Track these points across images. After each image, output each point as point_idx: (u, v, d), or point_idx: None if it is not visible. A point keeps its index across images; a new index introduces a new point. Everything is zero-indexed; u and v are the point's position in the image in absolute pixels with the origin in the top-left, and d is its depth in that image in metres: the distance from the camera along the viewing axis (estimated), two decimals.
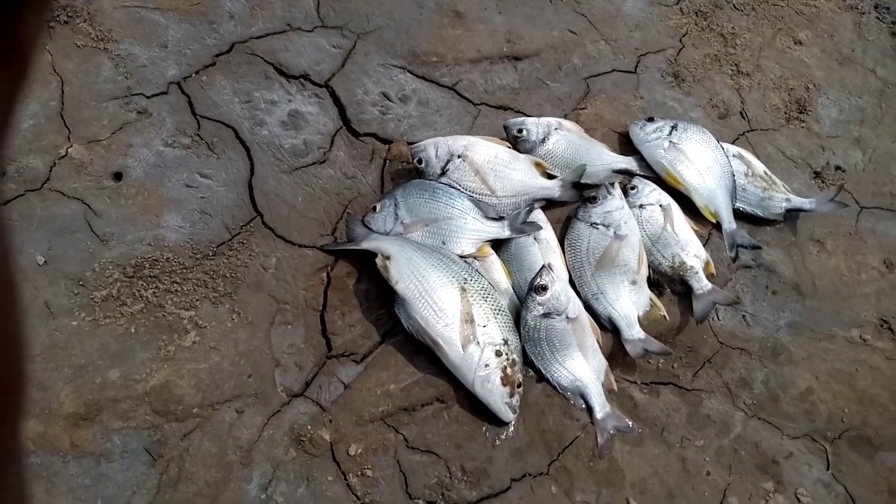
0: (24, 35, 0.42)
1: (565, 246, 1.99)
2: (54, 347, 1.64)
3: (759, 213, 2.18)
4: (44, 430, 1.55)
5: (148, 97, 2.02)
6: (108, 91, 2.00)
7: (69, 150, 1.88)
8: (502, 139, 2.10)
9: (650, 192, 2.08)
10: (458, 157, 1.97)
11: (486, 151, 2.01)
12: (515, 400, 1.72)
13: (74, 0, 2.10)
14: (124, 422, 1.59)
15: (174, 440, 1.59)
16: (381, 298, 1.83)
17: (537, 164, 2.05)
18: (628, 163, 2.18)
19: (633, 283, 1.92)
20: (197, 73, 2.09)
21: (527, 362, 1.81)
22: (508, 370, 1.72)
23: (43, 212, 1.79)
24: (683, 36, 2.55)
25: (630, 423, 1.79)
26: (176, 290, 1.76)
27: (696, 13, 2.61)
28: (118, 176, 1.89)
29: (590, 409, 1.79)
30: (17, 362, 0.51)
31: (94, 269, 1.74)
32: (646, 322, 1.90)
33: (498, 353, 1.72)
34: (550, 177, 2.07)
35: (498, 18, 2.43)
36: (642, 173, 2.17)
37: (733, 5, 2.68)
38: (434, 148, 1.98)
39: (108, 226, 1.81)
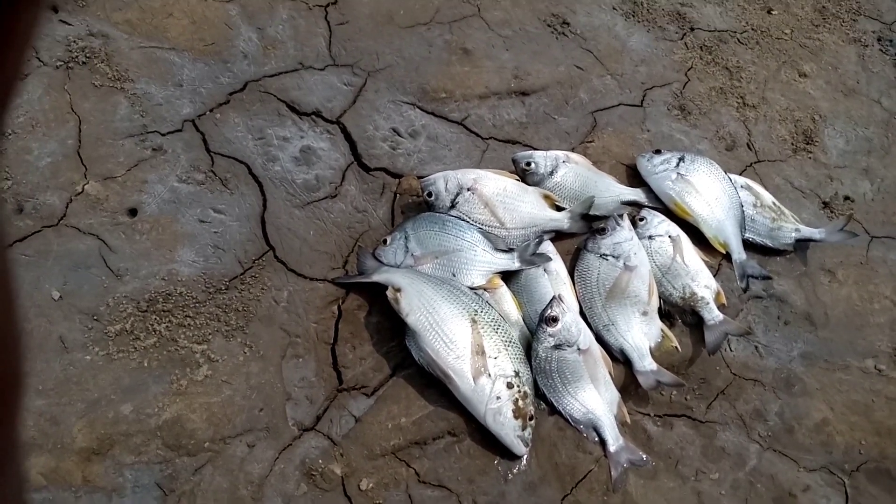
0: (18, 24, 0.44)
1: (575, 277, 2.00)
2: (68, 382, 1.65)
3: (769, 243, 2.18)
4: (56, 464, 1.55)
5: (163, 135, 2.06)
6: (125, 129, 2.04)
7: (85, 186, 1.92)
8: (511, 172, 2.13)
9: (659, 224, 2.09)
10: (468, 189, 2.00)
11: (494, 184, 2.03)
12: (528, 433, 1.71)
13: (93, 42, 2.16)
14: (136, 456, 1.59)
15: (186, 475, 1.59)
16: (392, 331, 1.84)
17: (546, 197, 2.07)
18: (636, 194, 2.20)
19: (644, 314, 1.92)
20: (211, 110, 2.14)
21: (538, 395, 1.80)
22: (520, 402, 1.71)
23: (59, 247, 1.82)
24: (689, 70, 2.58)
25: (644, 456, 1.77)
26: (189, 324, 1.77)
27: (700, 47, 2.65)
28: (133, 212, 1.92)
29: (603, 442, 1.77)
30: (14, 364, 0.53)
31: (109, 303, 1.76)
32: (658, 353, 1.89)
33: (509, 385, 1.71)
34: (559, 209, 2.09)
35: (505, 55, 2.47)
36: (651, 205, 2.18)
37: (738, 39, 2.72)
38: (444, 181, 2.00)
39: (123, 261, 1.83)
